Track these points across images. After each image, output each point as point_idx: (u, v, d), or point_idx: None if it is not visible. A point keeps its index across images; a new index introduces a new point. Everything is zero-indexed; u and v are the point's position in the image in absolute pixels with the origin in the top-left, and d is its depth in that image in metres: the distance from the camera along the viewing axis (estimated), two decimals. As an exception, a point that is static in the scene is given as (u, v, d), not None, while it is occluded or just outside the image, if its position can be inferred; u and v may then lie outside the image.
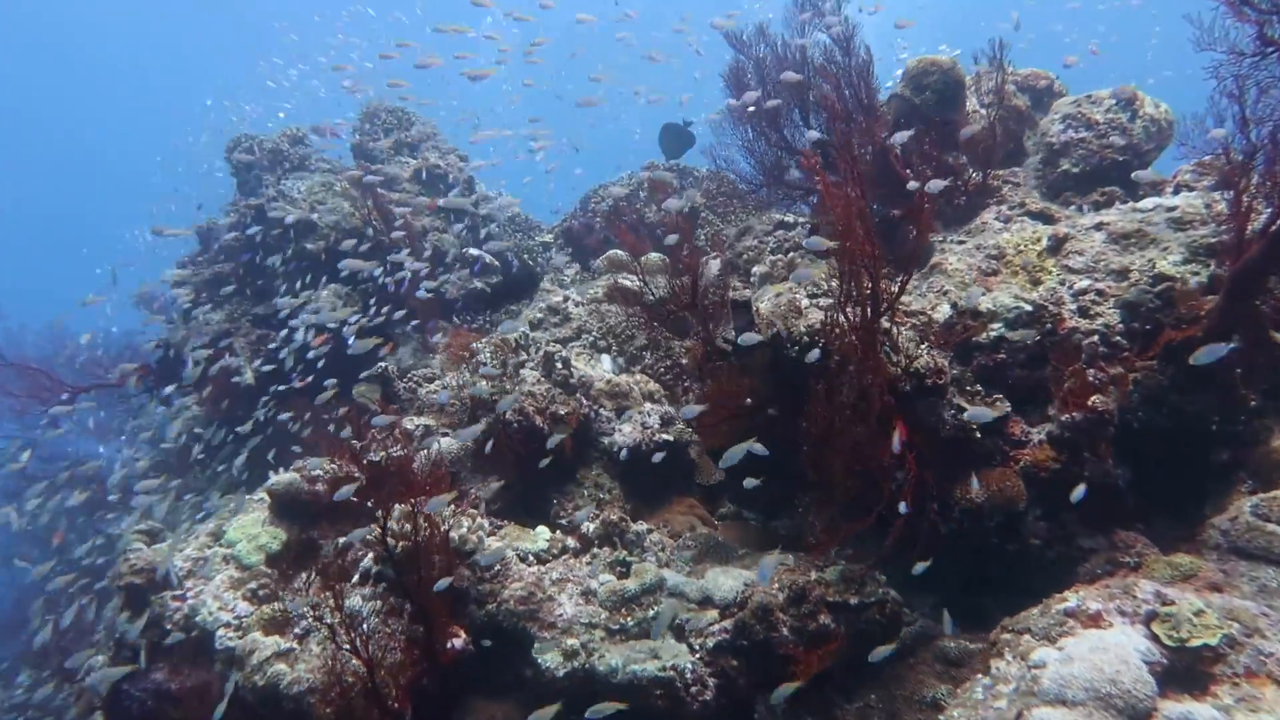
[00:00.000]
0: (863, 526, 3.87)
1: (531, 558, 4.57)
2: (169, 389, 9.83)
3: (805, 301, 4.51)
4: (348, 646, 3.49)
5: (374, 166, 11.09)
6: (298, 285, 9.27)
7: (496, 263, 10.92)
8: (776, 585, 4.20)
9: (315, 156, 11.43)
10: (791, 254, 5.86)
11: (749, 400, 4.59)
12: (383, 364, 5.67)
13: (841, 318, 4.04)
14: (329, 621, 3.50)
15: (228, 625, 4.32)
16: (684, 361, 6.06)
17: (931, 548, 4.10)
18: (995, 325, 4.21)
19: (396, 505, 4.06)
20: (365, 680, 3.60)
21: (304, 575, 4.82)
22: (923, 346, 4.22)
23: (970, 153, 5.33)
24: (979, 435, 4.15)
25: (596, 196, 10.79)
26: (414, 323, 9.61)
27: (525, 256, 11.84)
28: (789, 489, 5.76)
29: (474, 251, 10.80)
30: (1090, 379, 3.89)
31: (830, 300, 4.59)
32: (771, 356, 4.48)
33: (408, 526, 4.01)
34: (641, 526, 4.79)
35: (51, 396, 9.06)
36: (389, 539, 3.78)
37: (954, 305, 4.34)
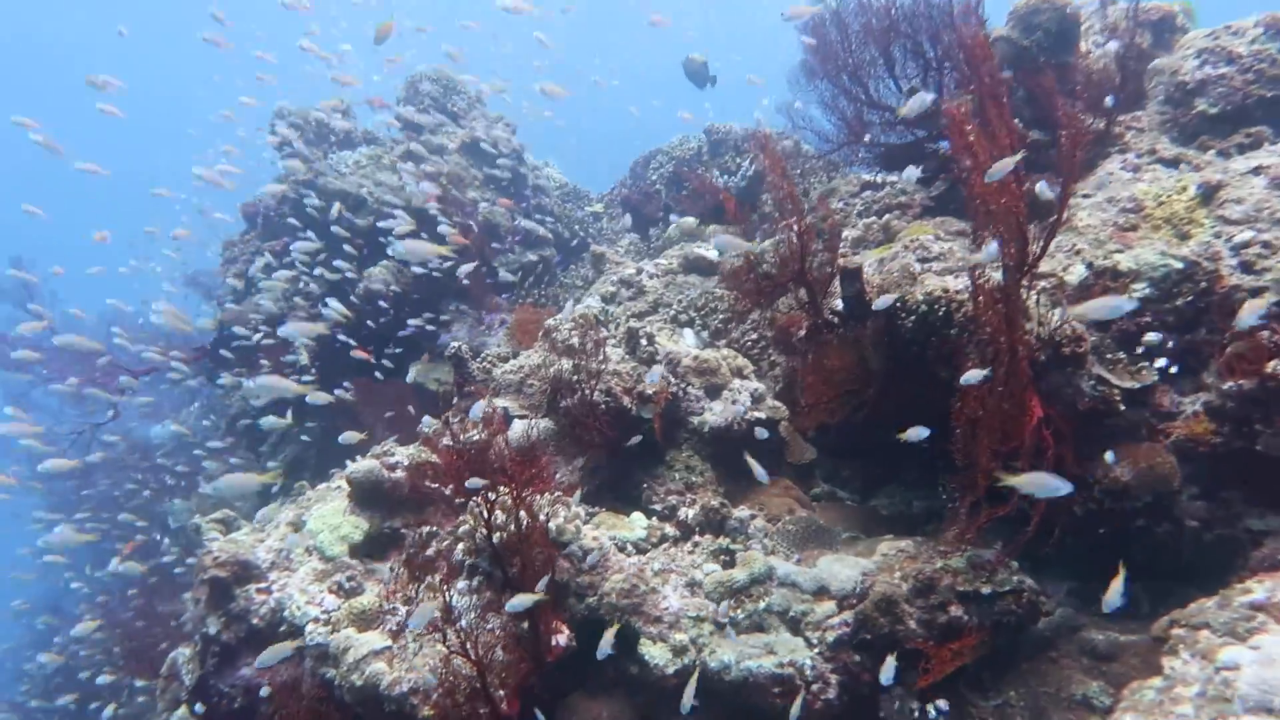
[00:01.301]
0: (1008, 510, 3.58)
1: (630, 547, 4.37)
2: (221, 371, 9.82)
3: (918, 267, 4.21)
4: (456, 647, 3.31)
5: (421, 137, 10.88)
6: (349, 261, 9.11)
7: (549, 235, 10.71)
8: (899, 574, 3.95)
9: (361, 129, 11.26)
10: (887, 216, 5.52)
11: (855, 375, 4.30)
12: (455, 344, 5.48)
13: (969, 282, 3.73)
14: (434, 620, 3.32)
15: (316, 620, 4.19)
16: (769, 334, 5.79)
17: (1066, 530, 3.82)
18: (1138, 286, 3.88)
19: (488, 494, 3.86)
20: (473, 682, 3.43)
21: (392, 568, 4.69)
22: (1055, 312, 3.89)
23: (1090, 98, 4.93)
24: (1123, 408, 3.83)
25: (655, 162, 10.47)
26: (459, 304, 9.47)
27: (576, 227, 11.62)
28: (888, 468, 5.52)
29: (526, 223, 10.58)
30: (1265, 342, 3.53)
31: (945, 265, 4.29)
32: (884, 327, 4.19)
33: (501, 516, 3.83)
34: (744, 512, 4.56)
35: (110, 381, 9.08)
36: (489, 531, 3.58)
37: (1089, 265, 4.00)
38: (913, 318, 4.07)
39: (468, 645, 3.37)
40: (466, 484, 3.56)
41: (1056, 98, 4.32)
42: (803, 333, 4.55)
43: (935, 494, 5.23)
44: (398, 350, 9.03)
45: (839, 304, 4.50)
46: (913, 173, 5.53)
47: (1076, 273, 4.00)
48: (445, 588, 3.43)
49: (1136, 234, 4.08)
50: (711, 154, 9.83)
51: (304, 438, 9.03)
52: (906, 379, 4.31)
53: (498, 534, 3.85)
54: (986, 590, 3.78)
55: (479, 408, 4.84)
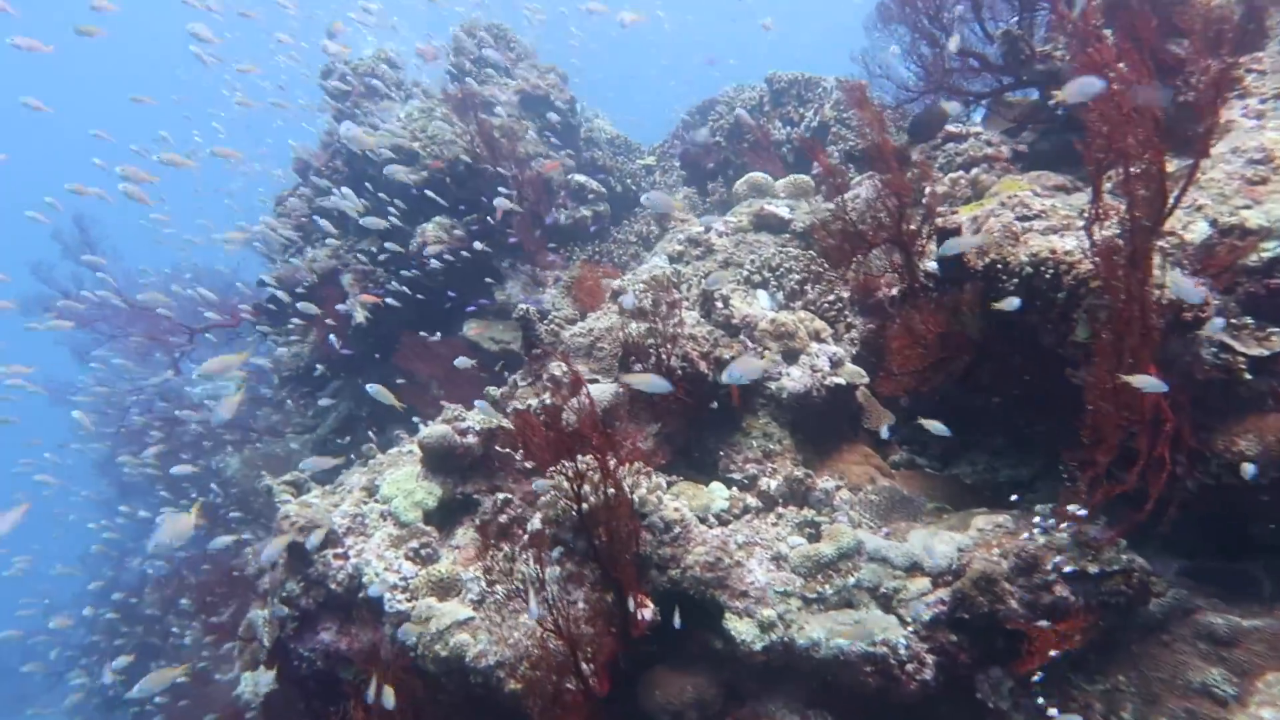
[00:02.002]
0: (1128, 488, 3.39)
1: (712, 518, 4.26)
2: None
3: (1019, 225, 3.96)
4: (547, 622, 3.24)
5: (473, 88, 10.67)
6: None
7: (602, 189, 10.51)
8: (997, 551, 3.79)
9: (411, 81, 11.09)
10: (975, 170, 5.24)
11: (950, 341, 4.10)
12: (524, 306, 5.36)
13: (1082, 242, 3.49)
14: (521, 591, 3.26)
15: (395, 587, 4.17)
16: (846, 296, 5.58)
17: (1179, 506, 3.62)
18: (1270, 244, 3.59)
19: (564, 462, 3.76)
20: (562, 656, 3.37)
21: (462, 533, 4.65)
22: (1174, 273, 3.64)
23: (1206, 38, 4.56)
24: (1248, 376, 3.59)
25: (714, 113, 10.14)
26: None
27: (628, 181, 11.38)
28: (972, 435, 5.32)
29: (580, 178, 10.39)
30: None
31: (1048, 224, 4.04)
32: (983, 291, 3.97)
33: (583, 486, 3.73)
34: (829, 483, 4.43)
35: (170, 338, 9.18)
36: (578, 502, 3.48)
37: (1213, 222, 3.72)
38: (1015, 280, 3.84)
39: (557, 619, 3.30)
40: (552, 460, 3.45)
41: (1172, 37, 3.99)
42: (893, 295, 4.34)
43: (1022, 462, 5.05)
44: (449, 307, 8.96)
45: (932, 265, 4.29)
46: (956, 107, 5.21)
47: (1199, 230, 3.72)
48: (537, 562, 3.34)
49: (1266, 188, 3.77)
50: (773, 104, 9.49)
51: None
52: (1004, 346, 4.10)
53: (579, 505, 3.76)
54: (1094, 569, 3.61)
55: (557, 366, 4.74)
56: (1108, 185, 3.52)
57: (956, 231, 4.00)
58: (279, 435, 11.46)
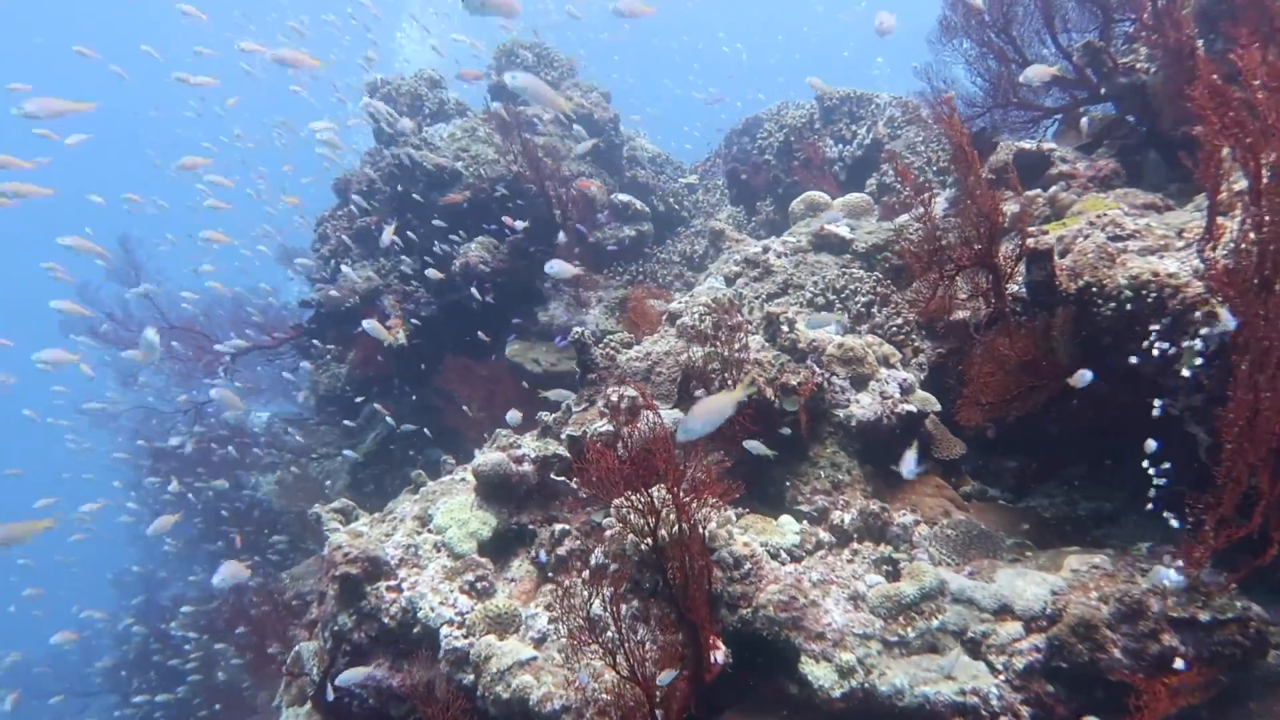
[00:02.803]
0: (1252, 529, 3.17)
1: (783, 554, 4.08)
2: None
3: (1114, 246, 3.77)
4: (623, 669, 3.08)
5: (516, 108, 10.65)
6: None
7: (645, 209, 10.42)
8: (1095, 594, 3.57)
9: (453, 100, 11.10)
10: (1053, 189, 5.04)
11: (1037, 367, 3.90)
12: (579, 329, 5.24)
13: (1188, 264, 3.29)
14: (588, 630, 3.10)
15: (451, 623, 4.03)
16: (914, 319, 5.40)
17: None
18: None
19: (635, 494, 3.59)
20: (633, 702, 3.20)
21: (517, 565, 4.51)
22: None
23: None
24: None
25: (762, 130, 10.02)
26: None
27: (671, 200, 11.29)
28: (1047, 465, 5.10)
29: (623, 197, 10.30)
30: None
31: (1144, 244, 3.84)
32: (1075, 316, 3.78)
33: (646, 519, 3.56)
34: (907, 517, 4.23)
35: (213, 359, 9.20)
36: (654, 537, 3.32)
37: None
38: (1111, 305, 3.65)
39: (629, 662, 3.13)
40: (623, 490, 3.29)
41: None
42: (979, 319, 4.16)
43: (1103, 495, 4.82)
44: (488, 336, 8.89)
45: (1017, 288, 4.10)
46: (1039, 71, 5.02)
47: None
48: (613, 602, 3.18)
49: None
50: (824, 121, 9.35)
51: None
52: (1098, 373, 3.89)
53: (646, 539, 3.60)
54: (1205, 617, 3.38)
55: (627, 392, 4.61)
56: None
57: (1048, 254, 3.81)
58: (313, 457, 11.43)
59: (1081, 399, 4.03)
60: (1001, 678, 3.52)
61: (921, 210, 4.16)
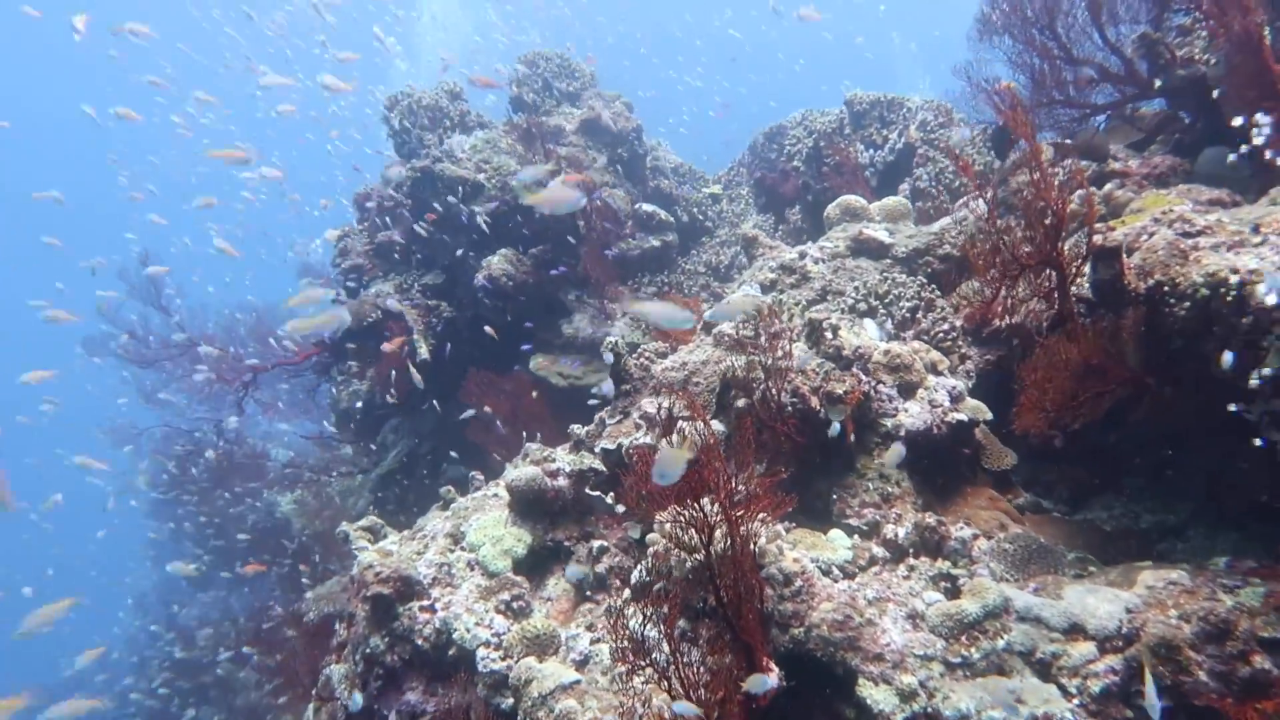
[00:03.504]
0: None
1: (835, 570, 3.91)
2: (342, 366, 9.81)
3: (1186, 243, 3.59)
4: (679, 690, 2.92)
5: (539, 119, 10.60)
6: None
7: (670, 219, 10.32)
8: (1175, 612, 3.37)
9: (474, 113, 11.05)
10: (1108, 186, 4.87)
11: (1102, 373, 3.72)
12: (612, 339, 5.11)
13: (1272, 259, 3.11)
14: (657, 658, 2.94)
15: (487, 644, 3.89)
16: (960, 324, 5.22)
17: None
18: None
19: (684, 508, 3.44)
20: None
21: (553, 584, 4.36)
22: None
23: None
24: None
25: (791, 136, 9.90)
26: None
27: (695, 210, 11.19)
28: (1105, 476, 4.90)
29: (648, 207, 10.21)
30: None
31: (1216, 240, 3.65)
32: (1146, 317, 3.60)
33: (692, 535, 3.40)
34: (965, 531, 4.05)
35: (236, 377, 9.14)
36: (707, 553, 3.16)
37: None
38: (1186, 304, 3.46)
39: (683, 685, 2.97)
40: (673, 503, 3.14)
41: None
42: (1043, 321, 3.99)
43: (1167, 506, 4.62)
44: (521, 342, 8.79)
45: (1081, 288, 3.93)
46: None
47: None
48: (673, 615, 3.02)
49: None
50: (854, 126, 9.22)
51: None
52: (1168, 378, 3.71)
53: (695, 556, 3.44)
54: (1296, 637, 3.17)
55: (650, 404, 4.46)
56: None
57: (1116, 251, 3.64)
58: (333, 476, 11.36)
59: (1151, 404, 3.85)
60: (1075, 701, 3.32)
61: (976, 207, 4.01)
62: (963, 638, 3.61)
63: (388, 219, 9.75)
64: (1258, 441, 3.37)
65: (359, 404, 10.01)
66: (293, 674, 5.73)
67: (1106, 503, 4.86)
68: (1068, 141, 5.87)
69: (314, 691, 4.55)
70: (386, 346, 8.19)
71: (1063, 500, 5.00)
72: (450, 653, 3.96)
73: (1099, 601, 3.54)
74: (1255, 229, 3.48)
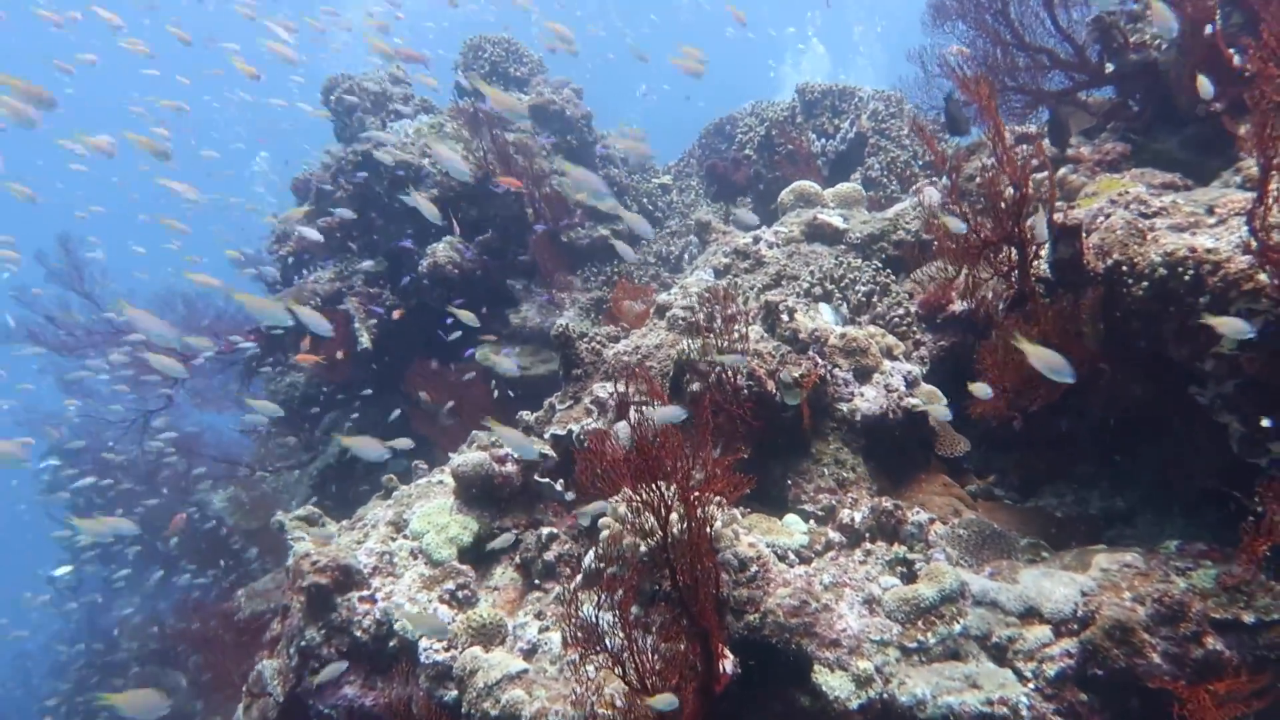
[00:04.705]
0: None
1: (791, 555, 3.85)
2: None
3: (1144, 223, 3.61)
4: (633, 677, 2.81)
5: (485, 106, 10.39)
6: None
7: (621, 208, 10.21)
8: (1129, 595, 3.38)
9: (419, 97, 10.80)
10: (1062, 170, 4.91)
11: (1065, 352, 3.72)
12: (562, 323, 4.99)
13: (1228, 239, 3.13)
14: (611, 644, 2.83)
15: (430, 635, 3.72)
16: (915, 309, 5.22)
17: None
18: None
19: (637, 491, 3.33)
20: (636, 716, 2.93)
21: (500, 573, 4.22)
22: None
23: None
24: None
25: (743, 125, 9.86)
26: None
27: (644, 200, 11.10)
28: (1055, 463, 4.95)
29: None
30: None
31: (1173, 221, 3.69)
32: (1104, 297, 3.61)
33: (648, 519, 3.30)
34: (922, 516, 4.01)
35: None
36: (664, 536, 3.05)
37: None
38: (1144, 284, 3.48)
39: (638, 672, 2.87)
40: (632, 486, 3.03)
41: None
42: (1003, 300, 3.98)
43: (1116, 492, 4.67)
44: (459, 331, 8.59)
45: (1041, 267, 3.93)
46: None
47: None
48: (618, 604, 2.91)
49: None
50: (805, 115, 9.22)
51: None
52: (1121, 361, 3.73)
53: (650, 540, 3.34)
54: (1249, 619, 3.21)
55: (601, 389, 4.36)
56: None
57: (1077, 229, 3.65)
58: (269, 471, 10.99)
59: (1104, 389, 3.87)
60: (1031, 685, 3.31)
61: (932, 192, 3.99)
62: (919, 622, 3.58)
63: (327, 204, 9.45)
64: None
65: (296, 396, 9.71)
66: (223, 673, 5.49)
67: (1057, 490, 4.90)
68: (1032, 130, 5.94)
69: (244, 688, 4.34)
70: (301, 358, 7.95)
71: (1014, 488, 5.03)
72: (391, 644, 3.80)
73: (1055, 585, 3.54)
74: (1210, 210, 3.52)
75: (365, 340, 8.81)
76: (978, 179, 5.38)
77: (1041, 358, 2.95)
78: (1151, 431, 4.27)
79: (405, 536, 4.25)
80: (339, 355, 8.24)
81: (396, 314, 8.40)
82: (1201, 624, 3.20)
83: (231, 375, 10.23)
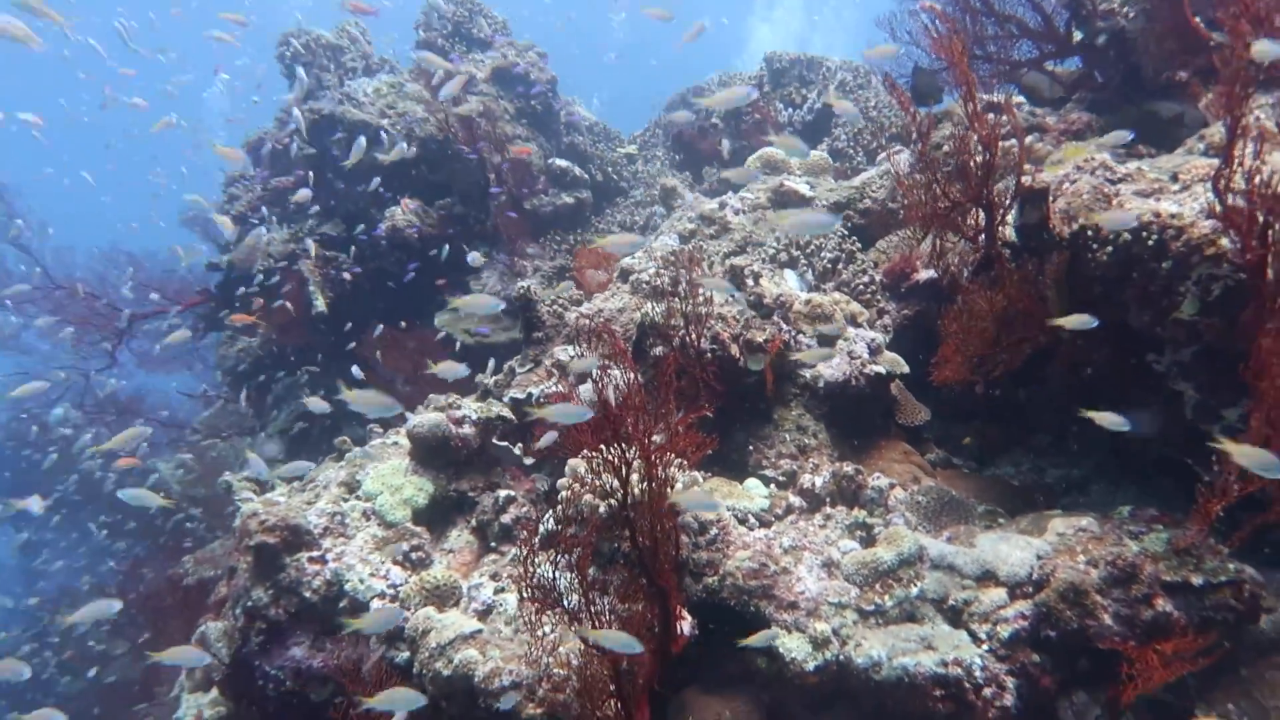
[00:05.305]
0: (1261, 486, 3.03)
1: (752, 519, 3.84)
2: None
3: (1109, 188, 3.63)
4: (588, 640, 2.78)
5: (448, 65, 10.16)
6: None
7: (585, 176, 10.10)
8: (1084, 558, 3.42)
9: (378, 56, 10.53)
10: (1029, 138, 4.91)
11: (1020, 321, 3.74)
12: (524, 284, 4.91)
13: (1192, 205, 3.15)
14: (569, 604, 2.79)
15: (382, 596, 3.68)
16: (879, 277, 5.22)
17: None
18: None
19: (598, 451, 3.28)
20: (592, 676, 2.90)
21: (455, 535, 4.16)
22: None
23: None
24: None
25: (709, 94, 9.77)
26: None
27: (609, 169, 10.99)
28: (1012, 432, 5.01)
29: (561, 163, 9.94)
30: None
31: (1138, 187, 3.71)
32: (1069, 263, 3.62)
33: (608, 479, 3.26)
34: (882, 481, 4.02)
35: (108, 324, 8.48)
36: (624, 498, 3.01)
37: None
38: (1109, 249, 3.49)
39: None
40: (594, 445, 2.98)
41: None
42: (966, 268, 3.98)
43: (1071, 461, 4.75)
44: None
45: (1008, 231, 3.93)
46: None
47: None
48: (575, 564, 2.87)
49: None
50: (773, 85, 9.16)
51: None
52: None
53: (606, 502, 3.31)
54: (1197, 580, 3.26)
55: (563, 352, 4.29)
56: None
57: (1044, 193, 3.65)
58: (221, 438, 10.76)
59: (1064, 356, 3.90)
60: (985, 647, 3.35)
61: (900, 160, 3.96)
62: (877, 585, 3.59)
63: (283, 164, 9.19)
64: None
65: (248, 360, 9.47)
66: (168, 638, 5.35)
67: (1014, 459, 4.96)
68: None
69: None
70: (236, 318, 7.74)
71: (972, 456, 5.09)
72: (342, 605, 3.73)
73: (1011, 549, 3.58)
74: (1174, 177, 3.55)
75: (320, 304, 8.62)
76: (945, 146, 5.39)
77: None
78: (1109, 401, 4.33)
79: (358, 498, 4.16)
80: (287, 309, 8.01)
81: (348, 276, 8.19)
82: (1153, 586, 3.25)
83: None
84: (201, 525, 9.27)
